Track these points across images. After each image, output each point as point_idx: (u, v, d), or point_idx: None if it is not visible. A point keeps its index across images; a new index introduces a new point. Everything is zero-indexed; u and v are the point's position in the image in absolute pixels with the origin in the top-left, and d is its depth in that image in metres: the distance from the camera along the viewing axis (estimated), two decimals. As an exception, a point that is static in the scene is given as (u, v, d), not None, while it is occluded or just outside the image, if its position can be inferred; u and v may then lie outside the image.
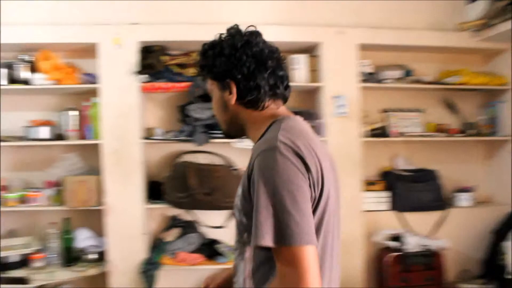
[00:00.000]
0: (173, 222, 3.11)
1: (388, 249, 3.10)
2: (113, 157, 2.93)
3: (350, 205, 3.03)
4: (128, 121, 2.94)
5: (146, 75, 2.93)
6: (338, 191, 1.22)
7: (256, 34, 1.20)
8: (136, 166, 2.93)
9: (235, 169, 2.96)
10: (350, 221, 3.03)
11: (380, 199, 3.27)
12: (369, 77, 3.25)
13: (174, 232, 3.06)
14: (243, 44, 1.16)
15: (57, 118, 3.08)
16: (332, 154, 1.24)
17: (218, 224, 3.05)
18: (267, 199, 1.01)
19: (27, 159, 3.17)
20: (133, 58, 2.92)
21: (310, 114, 3.03)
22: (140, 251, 2.94)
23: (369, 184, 3.26)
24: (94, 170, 3.00)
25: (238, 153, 3.05)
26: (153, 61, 2.96)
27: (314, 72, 3.16)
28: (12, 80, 2.90)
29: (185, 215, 3.18)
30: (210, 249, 3.05)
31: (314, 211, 1.06)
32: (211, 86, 1.25)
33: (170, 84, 2.97)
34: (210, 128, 2.97)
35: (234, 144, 2.91)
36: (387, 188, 3.29)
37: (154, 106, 3.23)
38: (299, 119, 1.21)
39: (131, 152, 2.94)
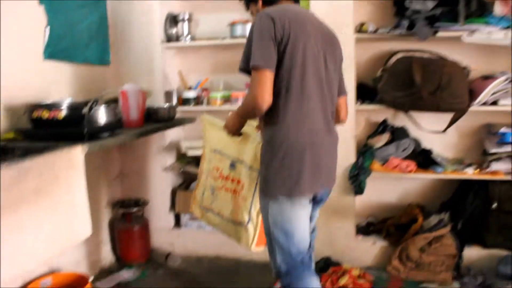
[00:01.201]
0: (383, 127, 2.89)
1: None
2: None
3: None
4: (339, 15, 2.70)
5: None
6: (331, 59, 1.75)
7: None
8: (348, 64, 2.71)
9: (465, 68, 2.59)
10: None
11: None
12: None
13: (384, 138, 2.84)
14: None
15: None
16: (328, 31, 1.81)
17: (436, 129, 2.75)
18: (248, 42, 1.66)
19: (228, 61, 3.16)
20: None
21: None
22: (348, 156, 2.79)
23: None
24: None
25: (466, 50, 2.70)
26: None
27: None
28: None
29: (395, 119, 2.95)
30: (424, 157, 2.79)
31: (284, 51, 1.62)
32: (251, 8, 1.90)
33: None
34: (433, 21, 2.63)
35: (464, 38, 2.53)
36: None
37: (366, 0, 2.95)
38: (290, 4, 1.79)
39: (343, 49, 2.71)
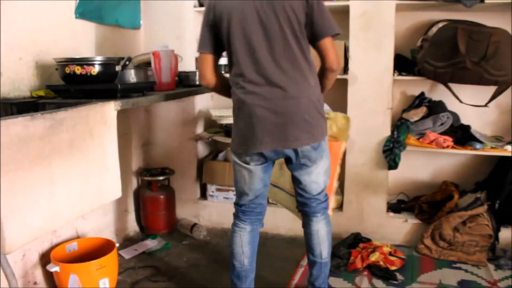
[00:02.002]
0: (419, 100, 2.80)
1: None
2: (361, 21, 2.65)
3: None
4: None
5: None
6: (272, 16, 1.70)
7: None
8: (387, 32, 2.63)
9: (515, 37, 2.48)
10: None
11: None
12: None
13: (420, 111, 2.75)
14: None
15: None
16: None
17: (477, 103, 2.65)
18: None
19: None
20: None
21: None
22: (383, 128, 2.71)
23: None
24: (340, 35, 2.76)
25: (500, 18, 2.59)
26: None
27: None
28: None
29: (432, 93, 2.85)
30: (462, 133, 2.70)
31: (220, 31, 1.80)
32: None
33: None
34: (480, -11, 2.51)
35: (514, 6, 2.42)
36: None
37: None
38: None
39: (382, 16, 2.62)
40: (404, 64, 2.77)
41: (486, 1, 2.46)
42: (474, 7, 2.47)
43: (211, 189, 3.06)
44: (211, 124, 3.09)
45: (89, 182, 1.77)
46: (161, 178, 2.92)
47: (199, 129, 3.09)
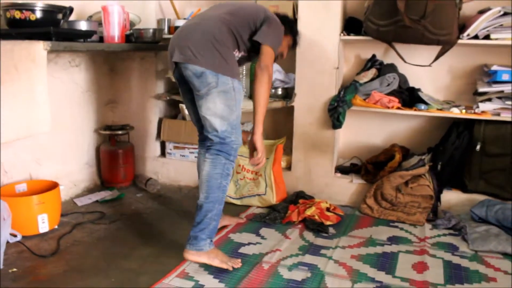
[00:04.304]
0: (371, 63, 2.89)
1: None
2: (310, -20, 2.77)
3: None
4: None
5: None
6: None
7: None
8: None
9: (456, -3, 2.54)
10: None
11: None
12: None
13: (370, 73, 2.85)
14: None
15: None
16: None
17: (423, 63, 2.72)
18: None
19: None
20: None
21: None
22: (330, 87, 2.82)
23: None
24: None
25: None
26: None
27: None
28: None
29: (385, 56, 2.94)
30: (409, 95, 2.78)
31: None
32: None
33: None
34: None
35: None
36: None
37: None
38: None
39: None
40: (357, 26, 2.86)
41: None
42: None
43: (169, 146, 3.26)
44: (174, 84, 3.28)
45: (14, 112, 1.99)
46: (119, 132, 3.14)
47: (160, 89, 3.28)
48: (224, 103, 1.99)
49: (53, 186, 2.59)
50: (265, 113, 2.07)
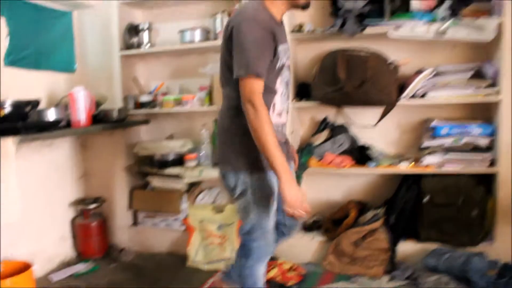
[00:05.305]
0: (324, 125, 3.15)
1: None
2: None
3: None
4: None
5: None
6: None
7: None
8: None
9: (390, 63, 2.82)
10: None
11: None
12: None
13: (323, 135, 3.10)
14: None
15: (208, 24, 3.34)
16: None
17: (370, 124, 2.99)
18: None
19: (181, 66, 3.53)
20: None
21: None
22: (287, 152, 3.05)
23: None
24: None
25: (394, 46, 2.94)
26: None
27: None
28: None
29: (336, 117, 3.20)
30: (360, 153, 3.03)
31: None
32: None
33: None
34: (362, 18, 2.88)
35: (390, 34, 2.77)
36: None
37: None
38: None
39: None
40: (308, 91, 3.13)
41: (365, 32, 2.84)
42: (356, 36, 2.85)
43: (141, 215, 3.45)
44: (143, 157, 3.50)
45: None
46: (91, 206, 3.33)
47: (130, 161, 3.51)
48: (246, 199, 1.99)
49: (26, 267, 2.74)
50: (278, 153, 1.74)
